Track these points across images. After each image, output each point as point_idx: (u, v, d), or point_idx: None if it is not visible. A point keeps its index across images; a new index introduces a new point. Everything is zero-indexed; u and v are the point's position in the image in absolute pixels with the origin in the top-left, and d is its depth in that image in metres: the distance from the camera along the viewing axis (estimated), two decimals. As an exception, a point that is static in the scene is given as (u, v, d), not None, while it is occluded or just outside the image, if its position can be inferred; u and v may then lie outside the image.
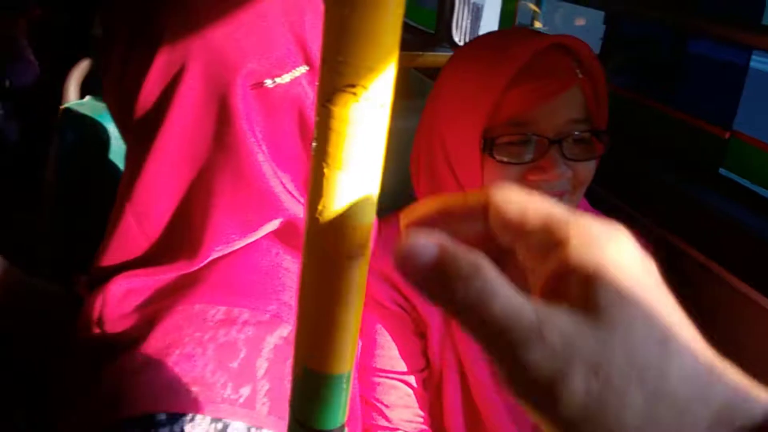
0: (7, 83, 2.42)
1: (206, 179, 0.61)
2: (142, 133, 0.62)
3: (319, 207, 0.30)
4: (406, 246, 0.24)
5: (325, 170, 0.29)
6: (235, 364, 0.56)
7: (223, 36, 0.59)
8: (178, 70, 0.59)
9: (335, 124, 0.28)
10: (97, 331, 0.62)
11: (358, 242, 0.30)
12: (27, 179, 1.97)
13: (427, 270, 0.24)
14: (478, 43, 0.90)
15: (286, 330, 0.61)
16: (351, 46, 0.27)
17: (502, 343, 0.23)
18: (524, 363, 0.22)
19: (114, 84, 0.64)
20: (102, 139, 1.24)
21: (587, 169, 0.84)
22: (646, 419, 0.22)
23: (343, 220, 0.29)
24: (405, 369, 0.90)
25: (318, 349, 0.32)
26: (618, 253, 0.24)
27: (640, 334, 0.22)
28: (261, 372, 0.57)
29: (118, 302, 0.62)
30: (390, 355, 0.90)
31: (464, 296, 0.23)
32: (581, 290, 0.23)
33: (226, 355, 0.56)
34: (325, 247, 0.30)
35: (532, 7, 4.78)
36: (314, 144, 0.29)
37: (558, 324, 0.22)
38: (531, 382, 0.22)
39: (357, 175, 0.29)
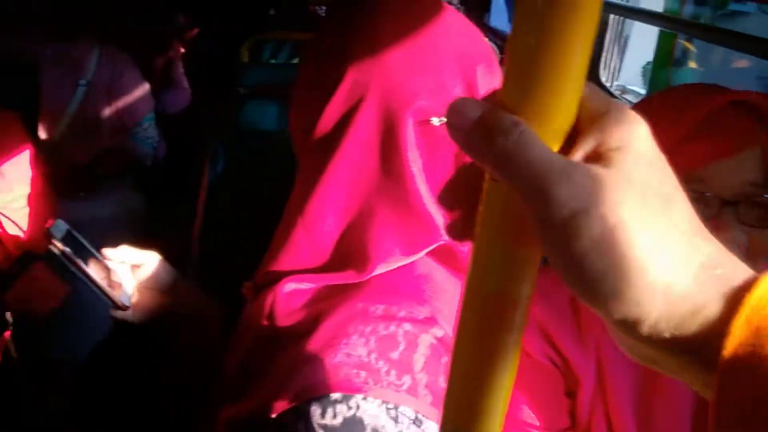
0: (160, 108, 2.55)
1: (372, 201, 0.66)
2: (318, 154, 0.67)
3: (482, 279, 0.30)
4: (457, 103, 0.28)
5: (490, 244, 0.29)
6: (395, 355, 0.60)
7: (402, 71, 0.64)
8: (359, 97, 0.64)
9: (502, 200, 0.29)
10: (266, 323, 0.67)
11: (518, 316, 0.30)
12: (175, 201, 2.08)
13: (473, 124, 0.27)
14: (654, 98, 0.86)
15: (440, 332, 0.64)
16: None
17: (536, 183, 0.26)
18: (553, 199, 0.25)
19: (300, 104, 0.70)
20: (249, 168, 1.29)
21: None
22: (647, 257, 0.25)
23: (506, 293, 0.29)
24: (540, 424, 0.87)
25: (469, 413, 0.33)
26: (641, 134, 0.28)
27: (652, 190, 0.27)
28: (418, 366, 0.60)
29: (286, 300, 0.68)
30: (531, 408, 0.87)
31: (504, 146, 0.26)
32: (609, 153, 0.27)
33: (386, 346, 0.60)
34: (485, 319, 0.30)
35: (687, 45, 4.50)
36: (481, 215, 0.29)
37: (586, 169, 0.26)
38: (556, 220, 0.25)
39: (521, 250, 0.29)
